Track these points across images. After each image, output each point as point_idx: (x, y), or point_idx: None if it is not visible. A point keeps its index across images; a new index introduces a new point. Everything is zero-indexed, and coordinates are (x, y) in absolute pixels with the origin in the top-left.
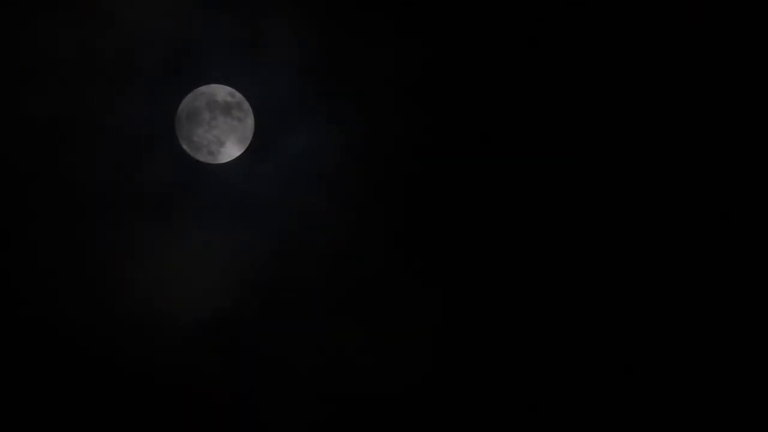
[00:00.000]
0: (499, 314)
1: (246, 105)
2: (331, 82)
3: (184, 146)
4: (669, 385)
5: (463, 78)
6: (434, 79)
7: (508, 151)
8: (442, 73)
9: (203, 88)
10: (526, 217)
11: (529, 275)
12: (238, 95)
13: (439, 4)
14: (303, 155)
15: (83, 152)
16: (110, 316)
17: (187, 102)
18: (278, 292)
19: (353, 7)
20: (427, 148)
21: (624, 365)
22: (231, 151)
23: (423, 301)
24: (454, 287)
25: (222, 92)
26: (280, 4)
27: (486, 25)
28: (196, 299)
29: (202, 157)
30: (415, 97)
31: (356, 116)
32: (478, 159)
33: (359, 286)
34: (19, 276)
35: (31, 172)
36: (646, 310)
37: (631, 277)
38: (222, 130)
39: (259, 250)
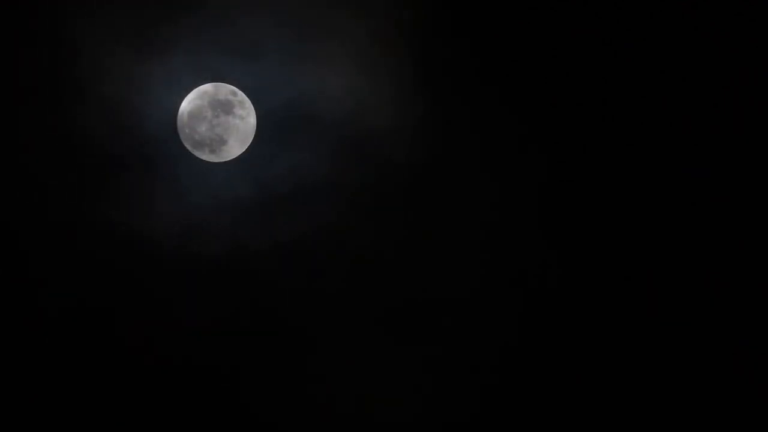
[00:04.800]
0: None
1: (248, 103)
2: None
3: (186, 144)
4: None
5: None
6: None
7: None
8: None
9: (206, 87)
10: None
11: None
12: (240, 94)
13: None
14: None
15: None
16: None
17: (189, 100)
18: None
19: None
20: (437, 149)
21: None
22: (233, 149)
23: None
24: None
25: (224, 90)
26: (282, 3)
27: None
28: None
29: (204, 155)
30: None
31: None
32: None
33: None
34: None
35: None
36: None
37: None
38: (224, 128)
39: (259, 247)
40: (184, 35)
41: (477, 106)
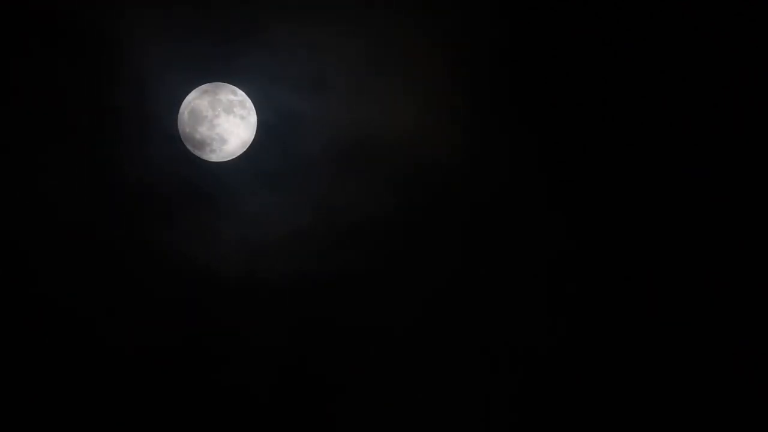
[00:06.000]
0: None
1: (249, 103)
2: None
3: (187, 144)
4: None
5: None
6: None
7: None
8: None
9: (206, 86)
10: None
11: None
12: (241, 93)
13: None
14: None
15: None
16: None
17: (190, 100)
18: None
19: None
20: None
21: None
22: (233, 149)
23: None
24: None
25: (225, 90)
26: (284, 3)
27: None
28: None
29: (205, 155)
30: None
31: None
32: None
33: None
34: None
35: None
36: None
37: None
38: (225, 128)
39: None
40: (186, 33)
41: (536, 138)
